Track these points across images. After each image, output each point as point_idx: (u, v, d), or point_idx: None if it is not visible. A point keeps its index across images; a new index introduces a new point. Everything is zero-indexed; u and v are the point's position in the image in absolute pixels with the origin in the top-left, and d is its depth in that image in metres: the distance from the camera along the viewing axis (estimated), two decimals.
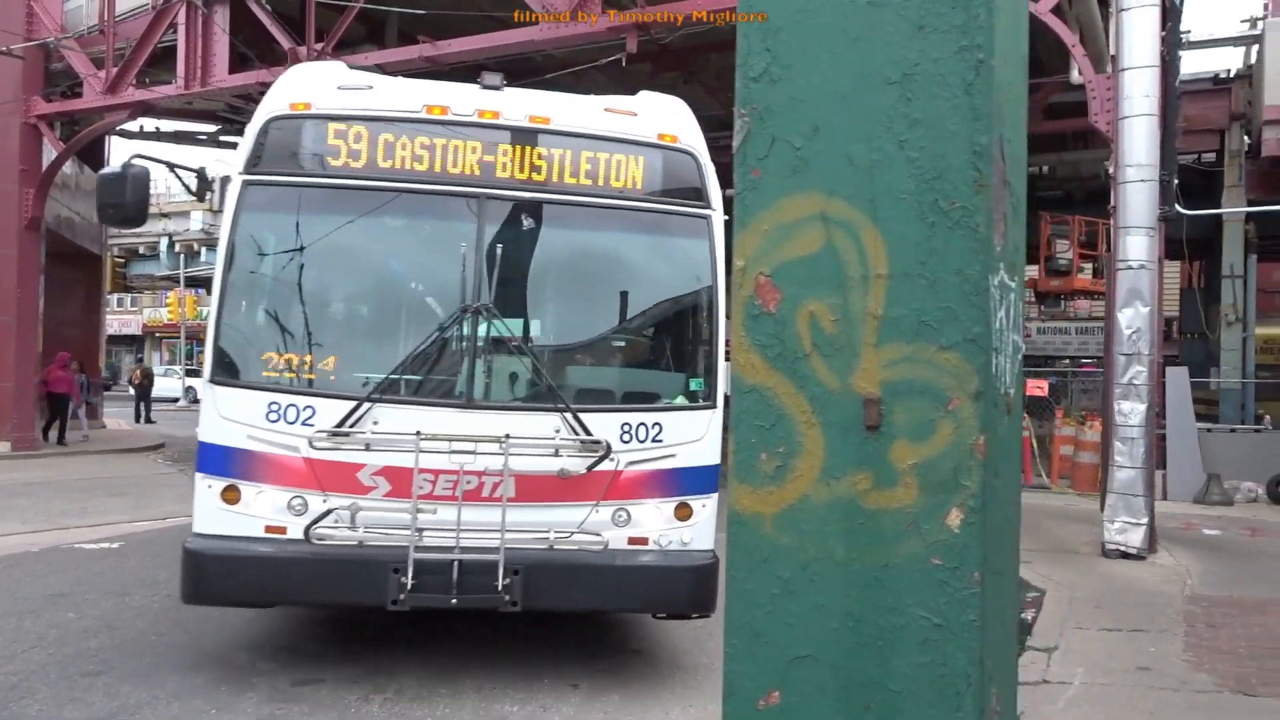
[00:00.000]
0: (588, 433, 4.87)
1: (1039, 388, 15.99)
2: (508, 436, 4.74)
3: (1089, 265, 19.16)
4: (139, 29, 16.67)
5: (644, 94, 5.65)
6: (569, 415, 4.87)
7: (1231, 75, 19.23)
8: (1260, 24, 18.65)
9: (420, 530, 4.73)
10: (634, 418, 5.05)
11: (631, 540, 5.00)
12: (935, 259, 1.39)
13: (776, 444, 1.49)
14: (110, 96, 16.81)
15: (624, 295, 5.53)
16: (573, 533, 4.90)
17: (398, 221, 5.17)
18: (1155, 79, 9.98)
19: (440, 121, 4.99)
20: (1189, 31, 16.44)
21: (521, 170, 5.00)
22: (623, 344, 5.57)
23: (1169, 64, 10.83)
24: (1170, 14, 11.05)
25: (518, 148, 4.99)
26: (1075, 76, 11.32)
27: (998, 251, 1.42)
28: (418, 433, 4.69)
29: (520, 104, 5.14)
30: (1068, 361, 25.21)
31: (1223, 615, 7.57)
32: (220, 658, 5.60)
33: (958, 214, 1.38)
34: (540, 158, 5.02)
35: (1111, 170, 10.30)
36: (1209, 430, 15.07)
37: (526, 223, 5.13)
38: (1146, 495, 9.89)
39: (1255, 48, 18.65)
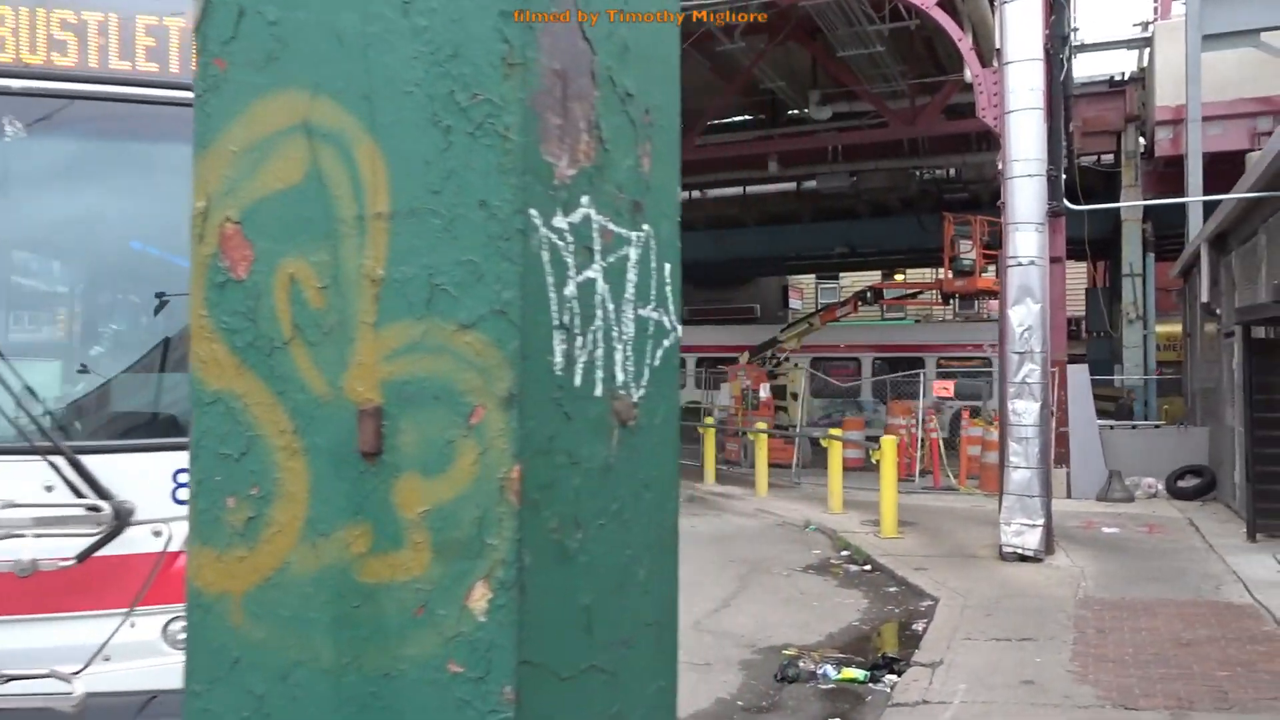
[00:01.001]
0: (98, 491, 2.84)
1: (945, 389, 15.90)
2: None
3: (993, 265, 19.22)
4: None
5: None
6: (61, 460, 2.83)
7: (1126, 78, 19.59)
8: (1150, 27, 19.05)
9: None
10: None
11: None
12: (453, 185, 0.88)
13: (248, 483, 0.96)
14: None
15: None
16: (80, 668, 2.81)
17: None
18: (1040, 72, 9.82)
19: None
20: (1078, 29, 16.63)
21: (31, 49, 3.06)
22: (181, 333, 3.25)
23: (1053, 57, 10.74)
24: (1054, 7, 10.97)
25: (18, 11, 3.05)
26: (969, 75, 11.17)
27: (564, 175, 0.91)
28: None
29: None
30: (982, 361, 25.44)
31: (1113, 619, 7.36)
32: None
33: (480, 112, 0.87)
34: (64, 26, 3.06)
35: (1000, 166, 10.12)
36: (1111, 427, 15.17)
37: (13, 131, 3.11)
38: (1043, 496, 9.69)
39: (1147, 50, 19.03)
